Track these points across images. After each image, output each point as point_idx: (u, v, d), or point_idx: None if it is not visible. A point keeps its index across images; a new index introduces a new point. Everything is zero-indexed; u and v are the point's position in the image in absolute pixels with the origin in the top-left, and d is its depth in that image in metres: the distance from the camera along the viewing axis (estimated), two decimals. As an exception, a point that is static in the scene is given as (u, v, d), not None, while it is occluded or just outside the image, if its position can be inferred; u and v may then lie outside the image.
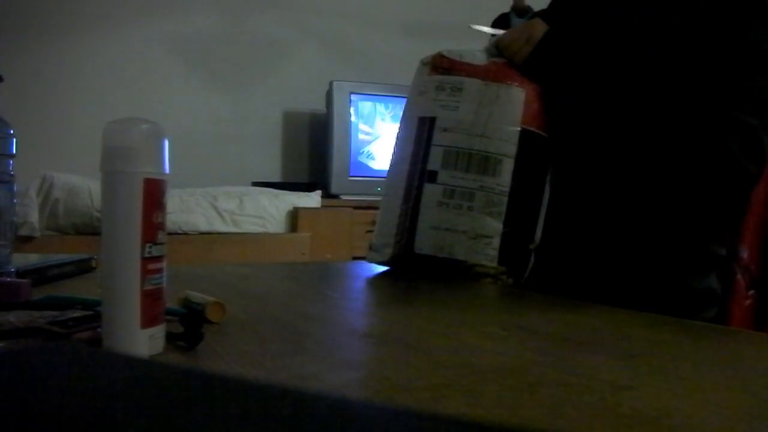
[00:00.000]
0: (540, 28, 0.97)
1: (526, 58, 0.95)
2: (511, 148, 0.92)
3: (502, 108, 0.93)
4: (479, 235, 0.90)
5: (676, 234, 0.88)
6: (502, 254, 0.91)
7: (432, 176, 0.93)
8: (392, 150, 1.04)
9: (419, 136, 0.95)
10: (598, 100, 0.91)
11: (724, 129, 0.82)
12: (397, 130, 1.03)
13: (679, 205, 0.86)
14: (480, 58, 0.97)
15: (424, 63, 1.01)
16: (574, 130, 0.95)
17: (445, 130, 0.94)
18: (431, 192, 0.93)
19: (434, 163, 0.93)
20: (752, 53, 0.83)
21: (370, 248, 1.02)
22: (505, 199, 0.91)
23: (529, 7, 2.87)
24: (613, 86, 0.90)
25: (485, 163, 0.91)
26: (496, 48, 0.99)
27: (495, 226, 0.90)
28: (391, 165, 1.03)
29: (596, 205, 0.92)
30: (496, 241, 0.90)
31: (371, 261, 1.02)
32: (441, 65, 0.97)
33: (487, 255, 0.90)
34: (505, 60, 0.97)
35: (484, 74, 0.95)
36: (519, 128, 0.92)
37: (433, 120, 0.95)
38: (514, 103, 0.93)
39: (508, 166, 0.91)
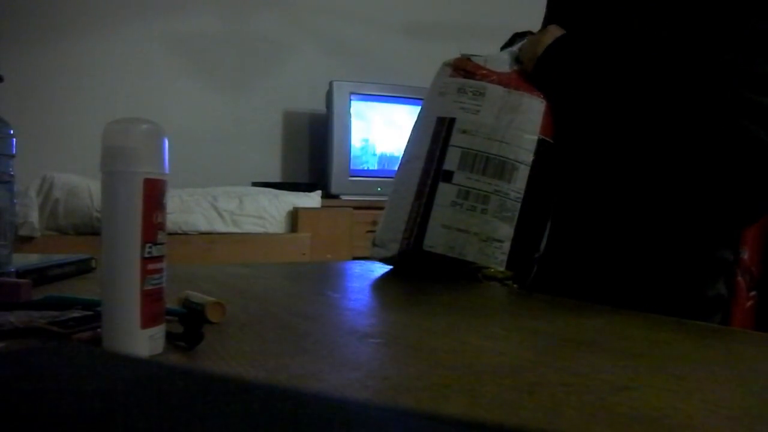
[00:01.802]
0: (546, 39, 0.95)
1: (530, 74, 0.95)
2: (528, 157, 0.92)
3: (523, 116, 0.93)
4: (491, 238, 0.90)
5: (690, 241, 0.88)
6: (508, 261, 0.91)
7: (447, 176, 0.93)
8: (404, 147, 1.03)
9: (436, 136, 0.95)
10: (603, 105, 0.90)
11: (732, 108, 0.79)
12: (412, 128, 1.02)
13: (701, 204, 0.83)
14: (504, 61, 0.97)
15: (446, 64, 1.00)
16: (579, 136, 0.94)
17: (464, 132, 0.93)
18: (446, 191, 0.92)
19: (451, 163, 0.93)
20: (758, 39, 0.82)
21: (374, 244, 1.01)
22: (519, 205, 0.91)
23: None
24: (619, 88, 0.89)
25: (502, 169, 0.91)
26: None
27: (507, 230, 0.90)
28: (402, 162, 1.02)
29: (605, 212, 0.92)
30: (507, 246, 0.90)
31: (375, 257, 1.02)
32: (464, 68, 0.97)
33: (497, 259, 0.90)
34: None
35: (506, 82, 0.95)
36: (537, 137, 0.93)
37: (452, 121, 0.94)
38: (534, 113, 0.93)
39: (523, 174, 0.91)
